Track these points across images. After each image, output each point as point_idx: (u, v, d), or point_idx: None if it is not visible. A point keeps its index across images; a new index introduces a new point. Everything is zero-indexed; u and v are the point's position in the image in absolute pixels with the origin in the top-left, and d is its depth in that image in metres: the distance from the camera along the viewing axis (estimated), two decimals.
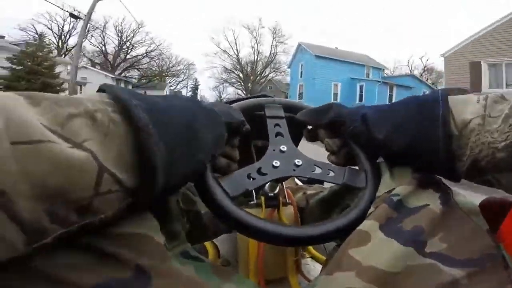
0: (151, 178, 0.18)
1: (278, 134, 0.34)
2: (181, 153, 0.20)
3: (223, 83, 25.63)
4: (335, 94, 14.77)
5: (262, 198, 0.42)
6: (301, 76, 15.94)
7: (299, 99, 15.35)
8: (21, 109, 0.14)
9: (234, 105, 0.35)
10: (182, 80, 26.37)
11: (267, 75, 24.64)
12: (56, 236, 0.15)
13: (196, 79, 27.58)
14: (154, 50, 21.99)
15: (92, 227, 0.16)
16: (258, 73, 24.49)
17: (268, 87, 25.42)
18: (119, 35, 21.26)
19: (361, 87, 14.37)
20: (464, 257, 0.21)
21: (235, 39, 23.64)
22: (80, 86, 15.83)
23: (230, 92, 25.79)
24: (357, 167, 0.32)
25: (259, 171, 0.30)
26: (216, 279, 0.21)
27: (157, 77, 23.59)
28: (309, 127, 0.36)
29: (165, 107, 0.21)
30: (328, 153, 0.35)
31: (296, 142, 0.35)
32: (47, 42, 12.36)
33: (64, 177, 0.14)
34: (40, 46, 10.58)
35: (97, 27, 19.99)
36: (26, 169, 0.13)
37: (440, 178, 0.27)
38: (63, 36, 19.52)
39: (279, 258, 0.44)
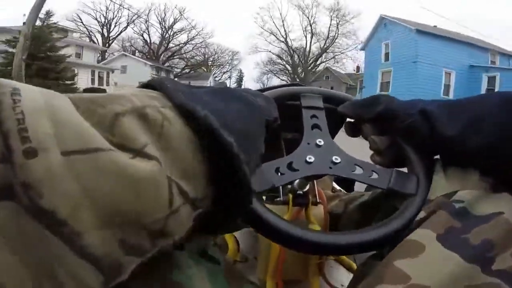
0: (243, 198, 0.16)
1: (314, 126, 0.30)
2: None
3: (267, 74, 22.52)
4: (447, 86, 10.20)
5: (290, 195, 0.38)
6: (386, 60, 11.43)
7: (381, 91, 10.93)
8: (71, 110, 0.12)
9: (267, 93, 0.30)
10: (227, 71, 24.49)
11: (321, 62, 20.16)
12: (132, 270, 0.12)
13: (240, 71, 26.35)
14: (195, 37, 20.63)
15: (164, 251, 0.14)
16: (312, 60, 20.10)
17: (324, 77, 21.07)
18: (161, 22, 19.78)
19: (490, 79, 9.64)
20: None
21: (282, 20, 19.71)
22: (108, 72, 14.10)
23: (275, 83, 22.30)
24: (405, 170, 0.28)
25: (289, 166, 0.27)
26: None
27: (202, 67, 21.83)
28: (351, 120, 0.32)
29: (228, 113, 0.18)
30: (372, 152, 0.30)
31: (332, 136, 0.31)
32: (54, 21, 10.22)
33: (135, 196, 0.12)
34: (45, 27, 8.41)
35: (139, 15, 19.02)
36: (88, 188, 0.11)
37: None
38: (108, 25, 18.84)
39: (301, 259, 0.41)
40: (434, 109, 0.25)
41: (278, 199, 0.39)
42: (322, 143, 0.28)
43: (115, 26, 19.19)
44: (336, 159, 0.27)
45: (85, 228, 0.10)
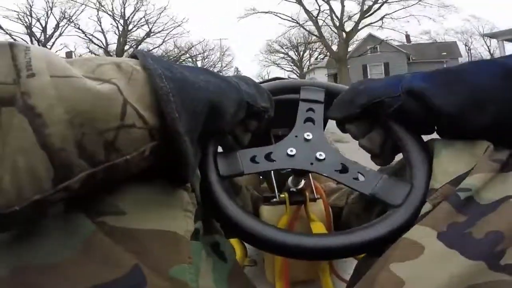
0: (171, 118, 0.17)
1: (308, 119, 0.29)
2: (199, 113, 0.20)
3: (267, 66, 17.43)
4: None
5: (286, 194, 0.37)
6: None
7: None
8: (60, 59, 0.16)
9: (264, 85, 0.30)
10: (219, 72, 17.59)
11: (362, 27, 13.49)
12: (83, 177, 0.15)
13: (237, 69, 20.68)
14: (154, 25, 14.18)
15: (117, 171, 0.17)
16: (349, 20, 13.38)
17: (368, 49, 14.45)
18: (114, 17, 13.34)
19: None
20: None
21: None
22: None
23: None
24: (401, 178, 0.25)
25: (267, 156, 0.26)
26: None
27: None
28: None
29: (184, 69, 0.21)
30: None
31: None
32: None
33: (93, 105, 0.15)
34: None
35: (86, 5, 12.61)
36: (61, 95, 0.15)
37: None
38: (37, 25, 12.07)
39: None
40: (422, 85, 0.23)
41: (274, 199, 0.38)
42: (310, 137, 0.27)
43: (56, 27, 13.08)
44: (321, 155, 0.26)
45: (52, 122, 0.14)
